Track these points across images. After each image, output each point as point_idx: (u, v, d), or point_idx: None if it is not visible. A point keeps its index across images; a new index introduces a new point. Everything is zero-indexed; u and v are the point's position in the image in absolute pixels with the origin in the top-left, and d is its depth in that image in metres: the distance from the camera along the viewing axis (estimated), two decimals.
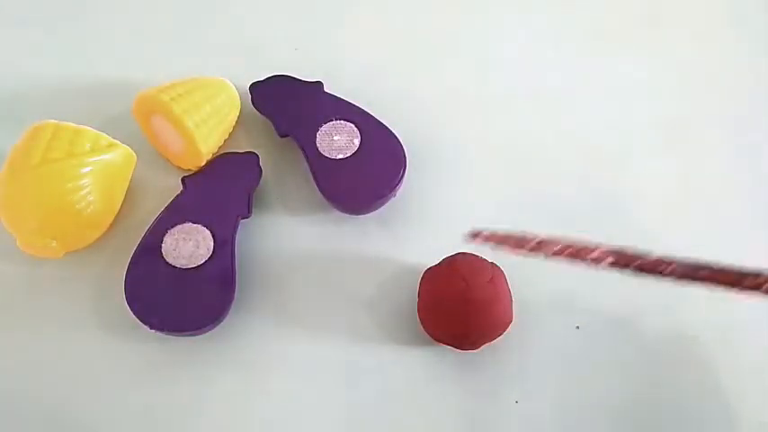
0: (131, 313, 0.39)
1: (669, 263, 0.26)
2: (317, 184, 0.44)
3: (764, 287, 0.23)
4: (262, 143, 0.47)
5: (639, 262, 0.27)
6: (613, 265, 0.28)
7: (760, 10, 0.57)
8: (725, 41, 0.55)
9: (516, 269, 0.41)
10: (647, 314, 0.43)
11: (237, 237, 0.42)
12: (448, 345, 0.40)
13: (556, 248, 0.30)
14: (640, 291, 0.43)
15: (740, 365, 0.42)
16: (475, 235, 0.33)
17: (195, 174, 0.45)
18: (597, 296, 0.43)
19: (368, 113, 0.46)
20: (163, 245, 0.41)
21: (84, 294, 0.42)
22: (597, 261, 0.28)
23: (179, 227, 0.41)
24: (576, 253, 0.29)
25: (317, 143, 0.45)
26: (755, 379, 0.41)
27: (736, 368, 0.42)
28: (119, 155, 0.43)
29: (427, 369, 0.41)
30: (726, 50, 0.55)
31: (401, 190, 0.44)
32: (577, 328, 0.42)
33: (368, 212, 0.44)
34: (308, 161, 0.44)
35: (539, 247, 0.31)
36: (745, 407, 0.41)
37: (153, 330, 0.39)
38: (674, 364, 0.41)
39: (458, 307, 0.38)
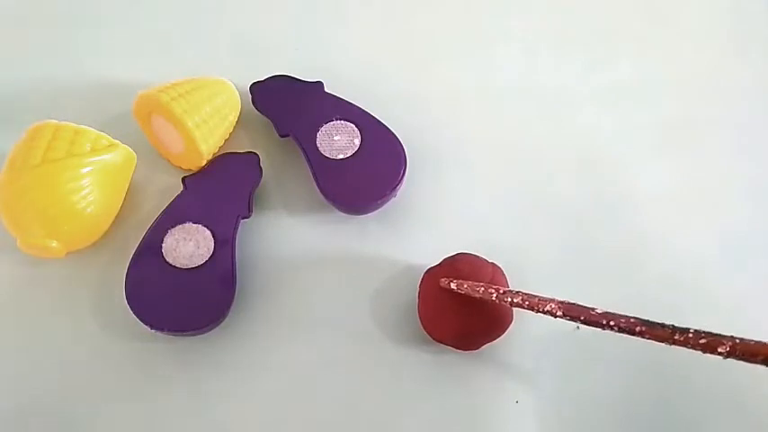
0: (131, 313, 0.39)
1: (610, 319, 0.29)
2: (318, 185, 0.44)
3: (691, 343, 0.26)
4: (262, 143, 0.47)
5: (585, 317, 0.30)
6: (564, 316, 0.32)
7: (761, 10, 0.57)
8: (725, 41, 0.55)
9: (516, 269, 0.41)
10: (647, 315, 0.43)
11: (237, 237, 0.42)
12: (448, 345, 0.40)
13: (516, 300, 0.34)
14: (640, 291, 0.43)
15: (741, 364, 0.42)
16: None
17: (195, 174, 0.45)
18: (597, 297, 0.43)
19: (368, 113, 0.46)
20: (163, 245, 0.41)
21: (84, 294, 0.42)
22: (551, 313, 0.32)
23: (179, 227, 0.41)
24: (532, 305, 0.33)
25: (317, 143, 0.45)
26: (757, 376, 0.41)
27: (738, 367, 0.42)
28: (119, 155, 0.43)
29: (427, 369, 0.41)
30: (726, 50, 0.55)
31: (401, 190, 0.44)
32: (577, 328, 0.42)
33: (368, 212, 0.44)
34: (308, 161, 0.44)
35: (501, 296, 0.35)
36: (746, 405, 0.41)
37: (153, 330, 0.39)
38: (674, 364, 0.41)
39: (458, 307, 0.38)
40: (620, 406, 0.40)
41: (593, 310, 0.30)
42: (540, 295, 0.33)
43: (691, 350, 0.26)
